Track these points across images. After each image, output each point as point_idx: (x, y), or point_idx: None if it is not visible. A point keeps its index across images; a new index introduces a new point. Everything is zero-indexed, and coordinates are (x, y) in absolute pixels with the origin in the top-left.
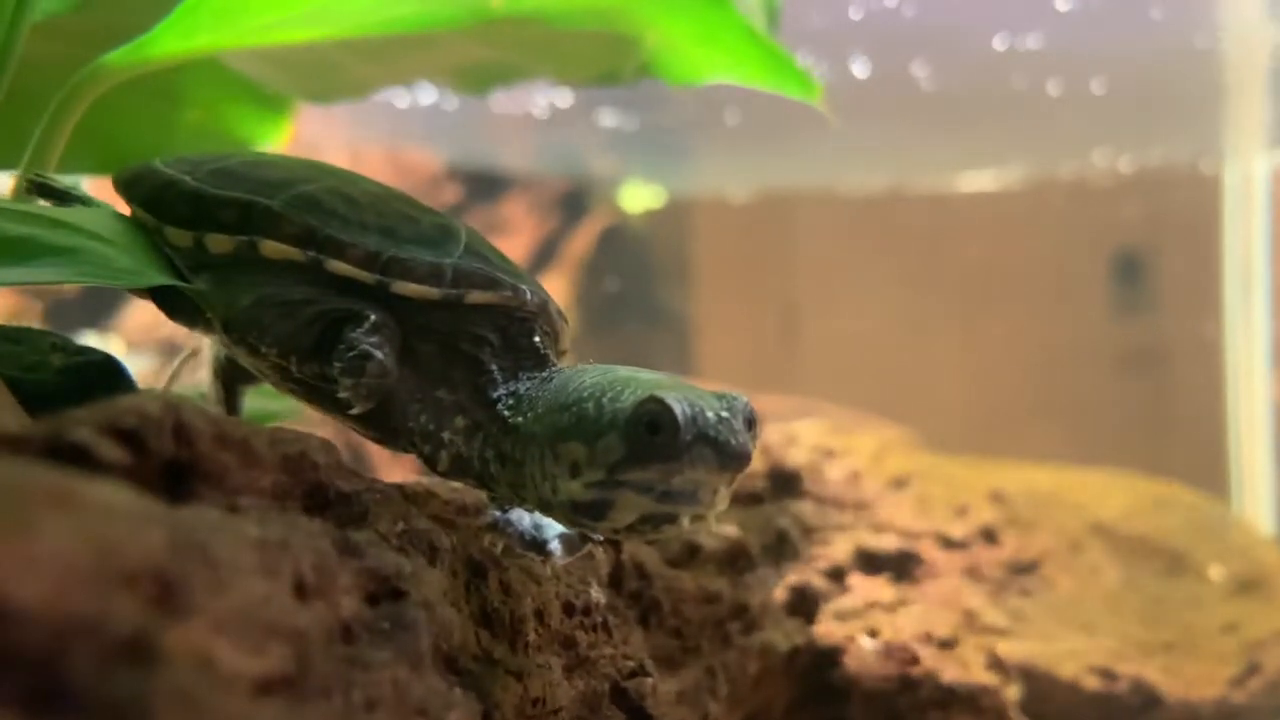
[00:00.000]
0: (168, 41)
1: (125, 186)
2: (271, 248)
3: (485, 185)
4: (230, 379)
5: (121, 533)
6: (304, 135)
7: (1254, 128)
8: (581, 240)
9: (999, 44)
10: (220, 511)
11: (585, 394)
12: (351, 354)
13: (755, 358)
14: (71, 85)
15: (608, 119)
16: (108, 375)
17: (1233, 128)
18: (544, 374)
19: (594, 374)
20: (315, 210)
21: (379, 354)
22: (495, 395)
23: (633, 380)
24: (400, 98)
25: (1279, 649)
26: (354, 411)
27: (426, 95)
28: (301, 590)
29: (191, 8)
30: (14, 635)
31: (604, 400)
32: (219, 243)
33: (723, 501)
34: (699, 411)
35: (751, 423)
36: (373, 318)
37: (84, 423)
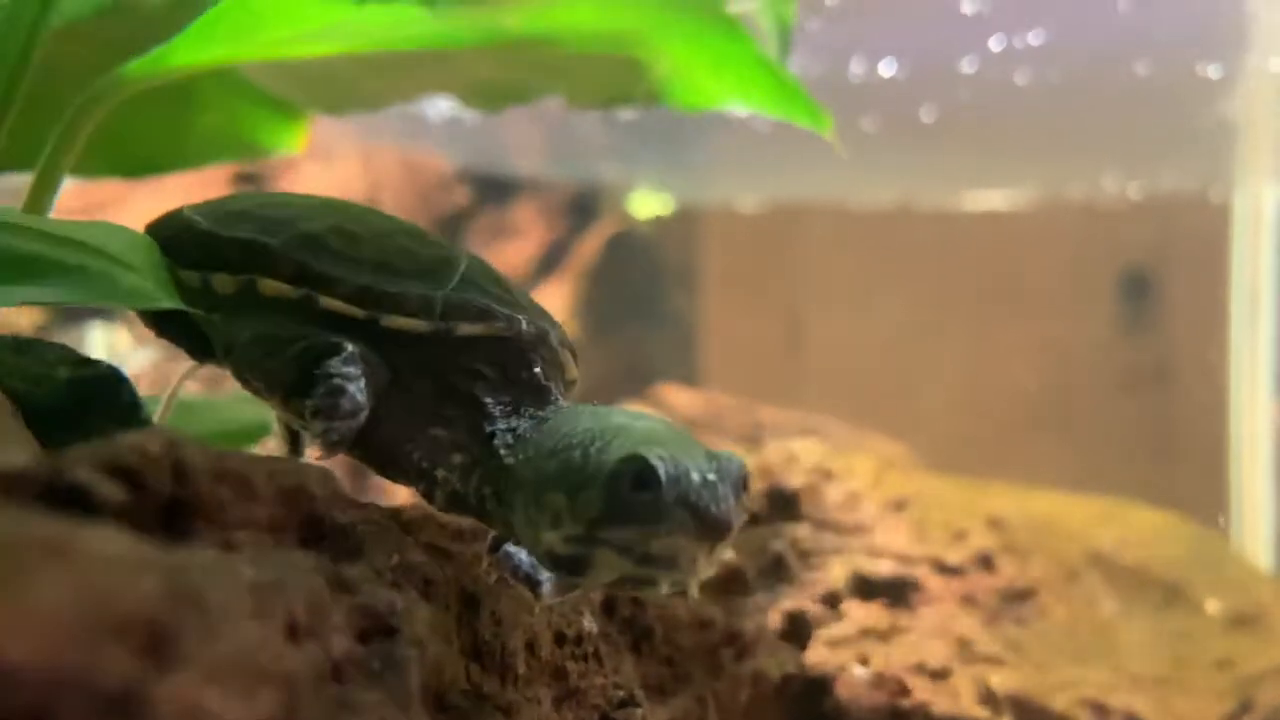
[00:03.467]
0: (185, 53)
1: (153, 231)
2: (268, 285)
3: (495, 189)
4: None
5: (116, 582)
6: (317, 138)
7: (1265, 158)
8: (589, 246)
9: (1014, 65)
10: (216, 551)
11: (575, 440)
12: (323, 389)
13: (759, 368)
14: (89, 93)
15: (621, 125)
16: (111, 388)
17: (1243, 157)
18: (545, 411)
19: (587, 419)
20: (312, 247)
21: (352, 387)
22: (492, 431)
23: (624, 430)
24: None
25: (1273, 685)
26: (327, 455)
27: (440, 100)
28: (294, 631)
29: (209, 21)
30: (3, 693)
31: (591, 450)
32: (223, 282)
33: (706, 569)
34: (683, 473)
35: (741, 487)
36: (350, 348)
37: (84, 461)
